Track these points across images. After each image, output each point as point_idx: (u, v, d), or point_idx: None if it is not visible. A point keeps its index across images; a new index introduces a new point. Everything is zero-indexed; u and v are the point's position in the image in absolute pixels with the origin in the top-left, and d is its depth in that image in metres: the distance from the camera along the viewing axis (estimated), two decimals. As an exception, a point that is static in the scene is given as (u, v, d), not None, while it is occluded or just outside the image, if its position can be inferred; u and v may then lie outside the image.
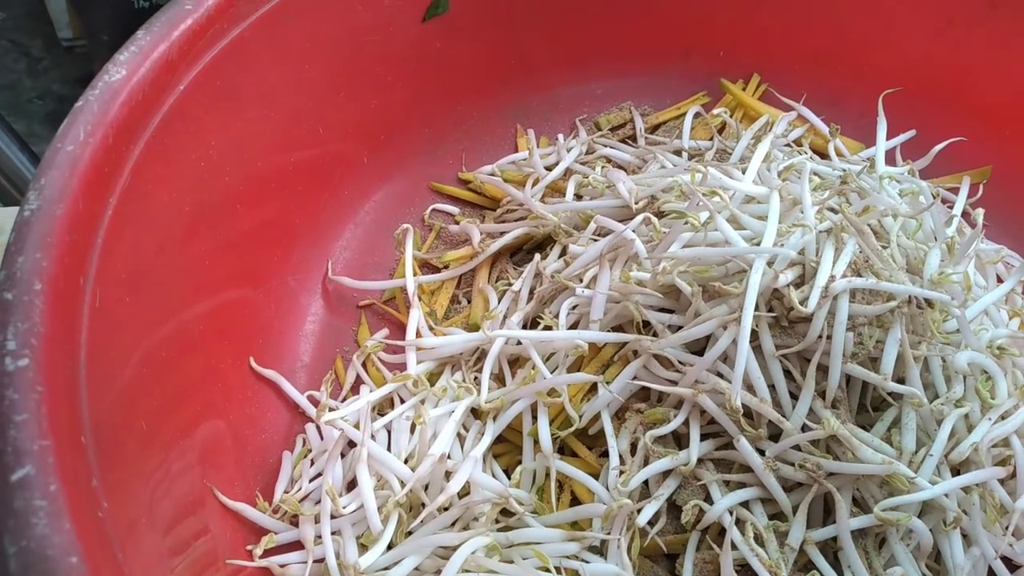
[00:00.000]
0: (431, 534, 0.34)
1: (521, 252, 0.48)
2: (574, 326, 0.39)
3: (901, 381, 0.35)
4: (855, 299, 0.35)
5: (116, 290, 0.30)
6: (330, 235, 0.46)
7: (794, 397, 0.35)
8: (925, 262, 0.38)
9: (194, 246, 0.36)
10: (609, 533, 0.34)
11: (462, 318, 0.44)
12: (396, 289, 0.46)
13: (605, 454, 0.37)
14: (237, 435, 0.37)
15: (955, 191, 0.48)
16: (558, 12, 0.52)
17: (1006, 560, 0.34)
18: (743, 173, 0.42)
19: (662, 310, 0.38)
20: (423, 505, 0.35)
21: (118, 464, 0.26)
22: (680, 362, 0.36)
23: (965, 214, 0.46)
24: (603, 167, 0.48)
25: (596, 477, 0.36)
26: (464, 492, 0.35)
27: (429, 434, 0.36)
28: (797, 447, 0.34)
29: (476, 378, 0.39)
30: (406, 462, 0.36)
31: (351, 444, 0.37)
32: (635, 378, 0.37)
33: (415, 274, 0.45)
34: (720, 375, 0.35)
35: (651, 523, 0.34)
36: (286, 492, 0.36)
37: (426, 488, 0.35)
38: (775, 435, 0.35)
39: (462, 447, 0.38)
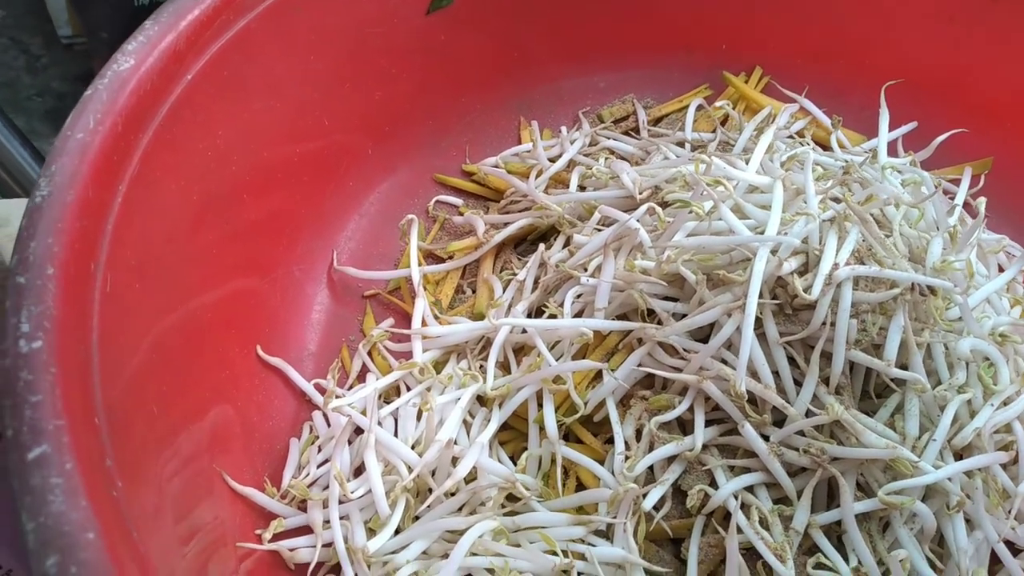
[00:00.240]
0: (438, 518, 0.34)
1: (525, 243, 0.48)
2: (579, 315, 0.40)
3: (904, 368, 0.35)
4: (858, 287, 0.35)
5: (126, 276, 0.30)
6: (335, 225, 0.46)
7: (798, 383, 0.35)
8: (927, 250, 0.38)
9: (202, 235, 0.36)
10: (615, 517, 0.34)
11: (467, 308, 0.44)
12: (401, 279, 0.46)
13: (610, 441, 0.37)
14: (245, 421, 0.37)
15: (956, 182, 0.48)
16: (561, 6, 0.52)
17: (1009, 544, 0.34)
18: (746, 164, 0.42)
19: (666, 298, 0.38)
20: (430, 490, 0.35)
21: (130, 446, 0.27)
22: (685, 349, 0.36)
23: (966, 205, 0.46)
24: (606, 158, 0.49)
25: (601, 463, 0.36)
26: (471, 477, 0.35)
27: (436, 420, 0.37)
28: (801, 432, 0.35)
29: (481, 366, 0.40)
30: (413, 448, 0.36)
31: (358, 431, 0.37)
32: (640, 365, 0.37)
33: (420, 264, 0.45)
34: (724, 362, 0.35)
35: (656, 508, 0.35)
36: (294, 478, 0.37)
37: (433, 474, 0.36)
38: (779, 421, 0.35)
39: (468, 434, 0.38)
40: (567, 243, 0.44)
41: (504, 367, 0.40)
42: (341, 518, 0.34)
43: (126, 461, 0.25)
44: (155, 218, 0.33)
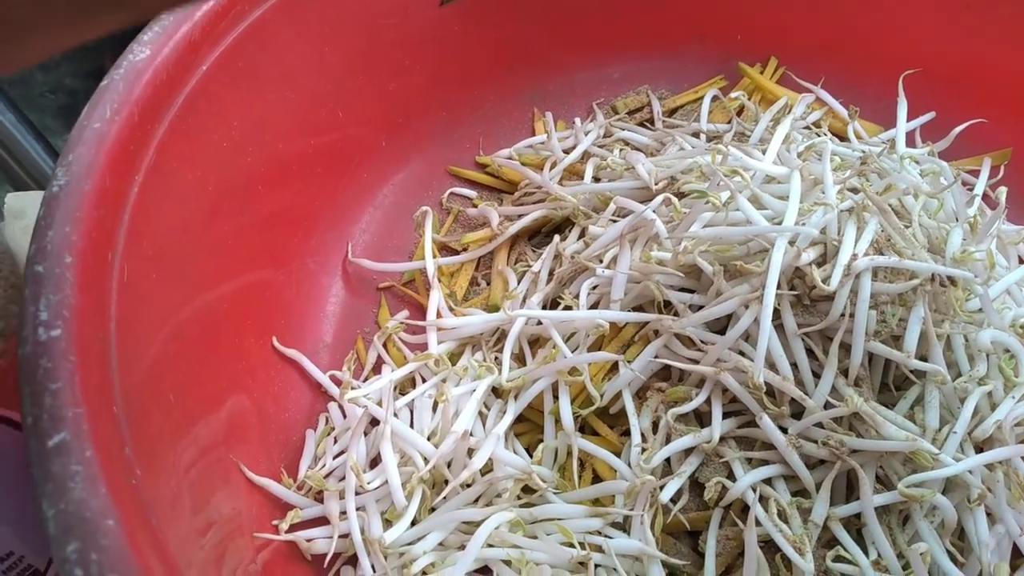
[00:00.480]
0: (455, 509, 0.34)
1: (539, 235, 0.48)
2: (594, 306, 0.39)
3: (924, 359, 0.35)
4: (877, 277, 0.35)
5: (143, 266, 0.30)
6: (350, 218, 0.46)
7: (816, 375, 0.35)
8: (947, 241, 0.37)
9: (217, 226, 0.36)
10: (632, 509, 0.34)
11: (481, 300, 0.44)
12: (415, 271, 0.46)
13: (626, 433, 0.37)
14: (261, 412, 0.37)
15: (975, 173, 0.48)
16: (575, -4, 0.52)
17: (1030, 537, 0.34)
18: (763, 154, 0.42)
19: (683, 290, 0.38)
20: (446, 482, 0.35)
21: (148, 435, 0.26)
22: (702, 341, 0.36)
23: (985, 196, 0.46)
24: (621, 150, 0.48)
25: (618, 455, 0.36)
26: (487, 469, 0.35)
27: (451, 412, 0.37)
28: (820, 425, 0.34)
29: (496, 358, 0.39)
30: (429, 439, 0.36)
31: (373, 423, 0.37)
32: (656, 357, 0.37)
33: (434, 256, 0.45)
34: (742, 353, 0.35)
35: (674, 500, 0.34)
36: (310, 469, 0.37)
37: (449, 465, 0.36)
38: (798, 413, 0.35)
39: (483, 426, 0.38)
40: (582, 234, 0.44)
41: (519, 359, 0.40)
42: (357, 509, 0.34)
43: (144, 450, 0.25)
44: (171, 208, 0.33)
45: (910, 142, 0.48)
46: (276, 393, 0.39)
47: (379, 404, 0.37)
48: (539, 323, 0.39)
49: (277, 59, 0.40)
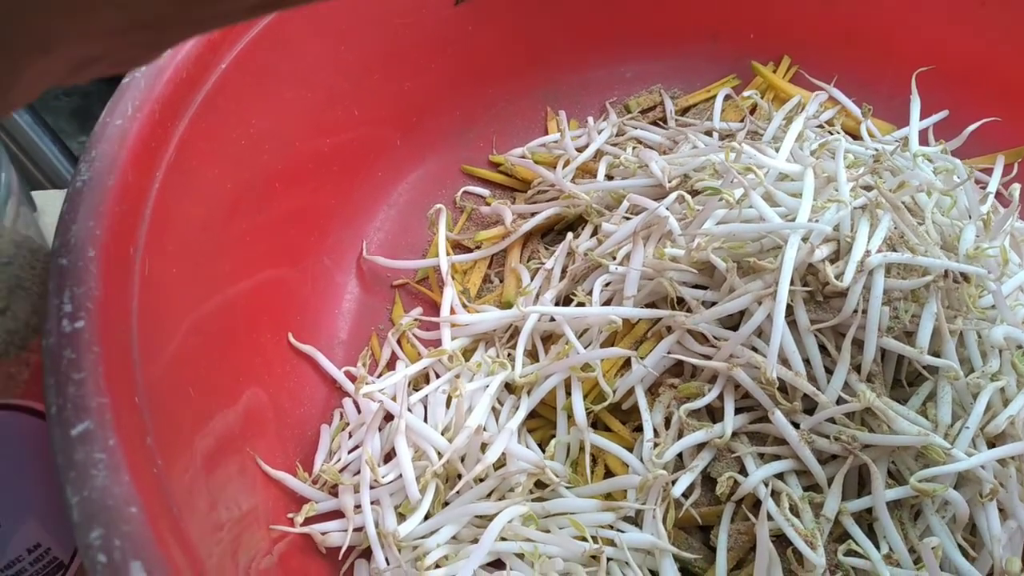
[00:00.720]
0: (468, 503, 0.35)
1: (552, 233, 0.48)
2: (607, 303, 0.40)
3: (936, 355, 0.35)
4: (890, 274, 0.35)
5: (164, 261, 0.31)
6: (364, 216, 0.47)
7: (829, 371, 0.35)
8: (960, 237, 0.38)
9: (236, 223, 0.37)
10: (644, 504, 0.34)
11: (494, 297, 0.45)
12: (429, 269, 0.46)
13: (639, 428, 0.37)
14: (278, 407, 0.37)
15: (989, 171, 0.48)
16: (588, -4, 0.52)
17: (1043, 533, 0.34)
18: (776, 152, 0.42)
19: (696, 286, 0.38)
20: (459, 476, 0.35)
21: (169, 426, 0.27)
22: (715, 337, 0.36)
23: (999, 194, 0.46)
24: (634, 148, 0.49)
25: (630, 450, 0.36)
26: (500, 464, 0.35)
27: (465, 407, 0.37)
28: (832, 420, 0.34)
29: (510, 354, 0.40)
30: (442, 434, 0.37)
31: (387, 418, 0.38)
32: (669, 353, 0.37)
33: (448, 254, 0.45)
34: (755, 349, 0.35)
35: (686, 495, 0.35)
36: (325, 463, 0.37)
37: (462, 459, 0.36)
38: (810, 409, 0.35)
39: (497, 421, 0.38)
40: (595, 232, 0.44)
41: (532, 355, 0.40)
42: (372, 503, 0.35)
43: (165, 440, 0.26)
44: (191, 205, 0.33)
45: (923, 140, 0.48)
46: (292, 388, 0.39)
47: (393, 399, 0.38)
48: (552, 319, 0.39)
49: (294, 58, 0.40)
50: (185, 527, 0.24)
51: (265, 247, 0.39)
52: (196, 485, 0.28)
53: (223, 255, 0.36)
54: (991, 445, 0.34)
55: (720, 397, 0.36)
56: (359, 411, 0.39)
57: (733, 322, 0.37)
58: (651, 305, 0.39)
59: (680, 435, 0.36)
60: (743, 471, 0.35)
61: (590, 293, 0.39)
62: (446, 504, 0.35)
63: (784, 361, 0.35)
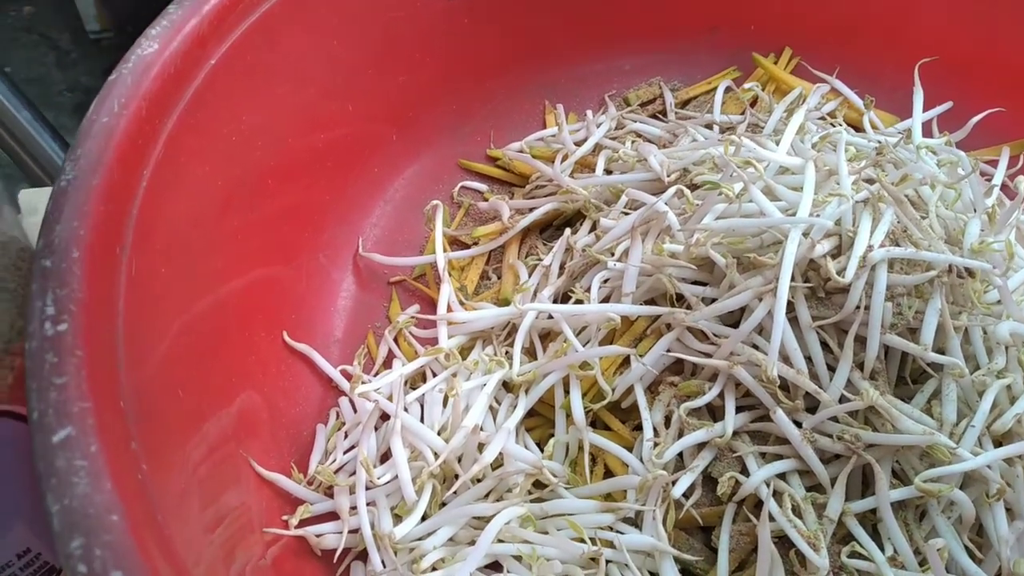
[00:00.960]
0: (465, 504, 0.34)
1: (550, 228, 0.48)
2: (606, 300, 0.39)
3: (941, 352, 0.34)
4: (893, 269, 0.35)
5: (152, 261, 0.30)
6: (360, 212, 0.46)
7: (831, 369, 0.35)
8: (965, 231, 0.37)
9: (228, 220, 0.36)
10: (644, 505, 0.34)
11: (492, 293, 0.44)
12: (426, 265, 0.45)
13: (638, 427, 0.36)
14: (272, 407, 0.37)
15: (994, 163, 0.47)
16: (586, -12, 0.51)
17: (1051, 533, 0.33)
18: (776, 145, 0.41)
19: (695, 283, 0.38)
20: (456, 476, 0.35)
21: (156, 430, 0.26)
22: (715, 334, 0.36)
23: (1004, 186, 0.45)
24: (633, 142, 0.48)
25: (630, 450, 0.36)
26: (497, 464, 0.35)
27: (462, 406, 0.36)
28: (835, 419, 0.34)
29: (507, 352, 0.39)
30: (439, 434, 0.36)
31: (384, 417, 0.37)
32: (669, 351, 0.37)
33: (445, 250, 0.44)
34: (755, 347, 0.35)
35: (686, 495, 0.34)
36: (320, 464, 0.37)
37: (459, 460, 0.35)
38: (812, 407, 0.35)
39: (494, 420, 0.38)
40: (593, 227, 0.44)
41: (530, 353, 0.40)
42: (368, 504, 0.34)
43: (152, 445, 0.25)
44: (181, 203, 0.33)
45: (927, 132, 0.47)
46: (287, 388, 0.39)
47: (389, 399, 0.37)
48: (550, 317, 0.39)
49: (286, 53, 0.40)
50: (170, 534, 0.23)
51: (258, 244, 0.39)
52: (186, 490, 0.27)
53: (215, 253, 0.35)
54: (997, 444, 0.34)
55: (721, 395, 0.35)
56: (355, 410, 0.39)
57: (733, 319, 0.37)
58: (650, 302, 0.39)
59: (680, 434, 0.35)
60: (744, 471, 0.34)
61: (588, 290, 0.39)
62: (443, 505, 0.35)
63: (785, 359, 0.34)
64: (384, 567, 0.33)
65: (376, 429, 0.37)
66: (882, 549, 0.32)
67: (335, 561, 0.34)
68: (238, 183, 0.37)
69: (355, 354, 0.41)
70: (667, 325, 0.37)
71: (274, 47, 0.39)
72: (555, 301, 0.41)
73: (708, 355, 0.36)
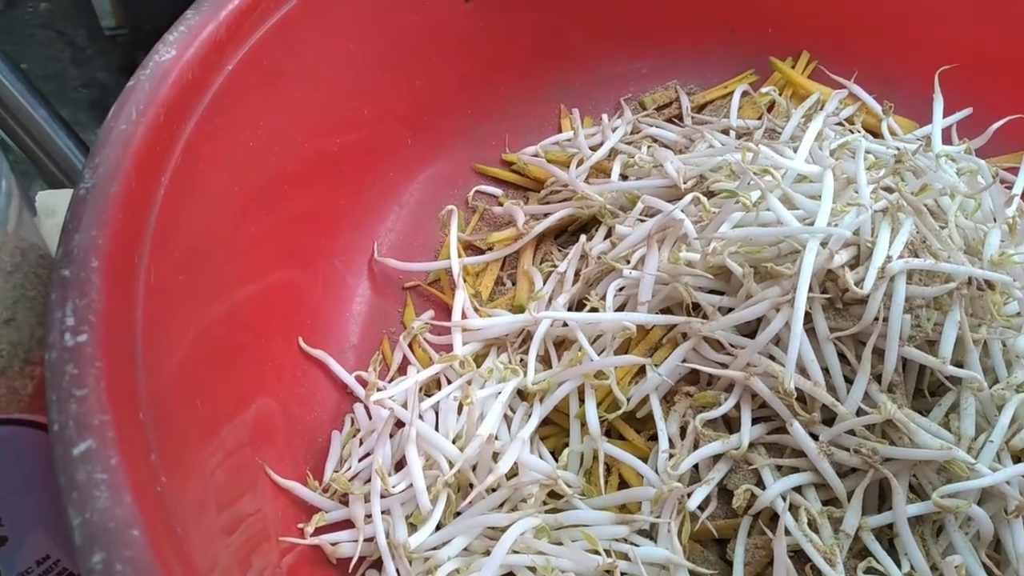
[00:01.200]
0: (480, 515, 0.34)
1: (565, 234, 0.47)
2: (621, 308, 0.39)
3: (960, 365, 0.34)
4: (912, 280, 0.34)
5: (170, 268, 0.30)
6: (376, 217, 0.46)
7: (848, 381, 0.34)
8: (985, 242, 0.37)
9: (244, 226, 0.36)
10: (659, 517, 0.33)
11: (507, 300, 0.44)
12: (441, 271, 0.45)
13: (653, 437, 0.36)
14: (288, 414, 0.37)
15: (1014, 171, 0.46)
16: (603, -10, 0.51)
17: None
18: (794, 152, 0.41)
19: (712, 292, 0.38)
20: (471, 486, 0.35)
21: (174, 439, 0.26)
22: (731, 345, 0.36)
23: (1024, 195, 0.45)
24: (649, 147, 0.48)
25: (645, 460, 0.36)
26: (512, 473, 0.35)
27: (476, 415, 0.36)
28: (852, 432, 0.34)
29: (522, 360, 0.39)
30: (454, 442, 0.36)
31: (398, 424, 0.37)
32: (685, 361, 0.36)
33: (460, 256, 0.44)
34: (772, 358, 0.35)
35: (701, 507, 0.34)
36: (335, 471, 0.37)
37: (474, 468, 0.35)
38: (829, 419, 0.34)
39: (509, 429, 0.38)
40: (609, 234, 0.43)
41: (545, 360, 0.40)
42: (383, 512, 0.34)
43: (170, 455, 0.25)
44: (198, 209, 0.33)
45: (947, 139, 0.47)
46: (302, 394, 0.39)
47: (404, 406, 0.37)
48: (565, 324, 0.39)
49: (303, 57, 0.39)
50: (189, 547, 0.23)
51: (274, 250, 0.39)
52: (203, 499, 0.27)
53: (231, 259, 0.36)
54: (1016, 459, 0.33)
55: (737, 407, 0.35)
56: (370, 416, 0.39)
57: (750, 329, 0.36)
58: (666, 311, 0.38)
59: (696, 446, 0.35)
60: (760, 483, 0.34)
61: (603, 298, 0.39)
62: (458, 514, 0.35)
63: (802, 370, 0.34)
64: (399, 576, 0.33)
65: (391, 436, 0.37)
66: (899, 565, 0.32)
67: (350, 570, 0.34)
68: (255, 189, 0.37)
69: (370, 360, 0.42)
70: (683, 334, 0.37)
71: (291, 51, 0.39)
72: (570, 308, 0.41)
73: (724, 366, 0.36)
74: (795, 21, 0.54)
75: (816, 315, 0.35)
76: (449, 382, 0.39)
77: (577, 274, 0.42)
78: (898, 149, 0.41)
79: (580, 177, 0.46)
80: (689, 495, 0.34)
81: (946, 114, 0.47)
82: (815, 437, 0.34)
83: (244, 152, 0.36)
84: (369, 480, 0.35)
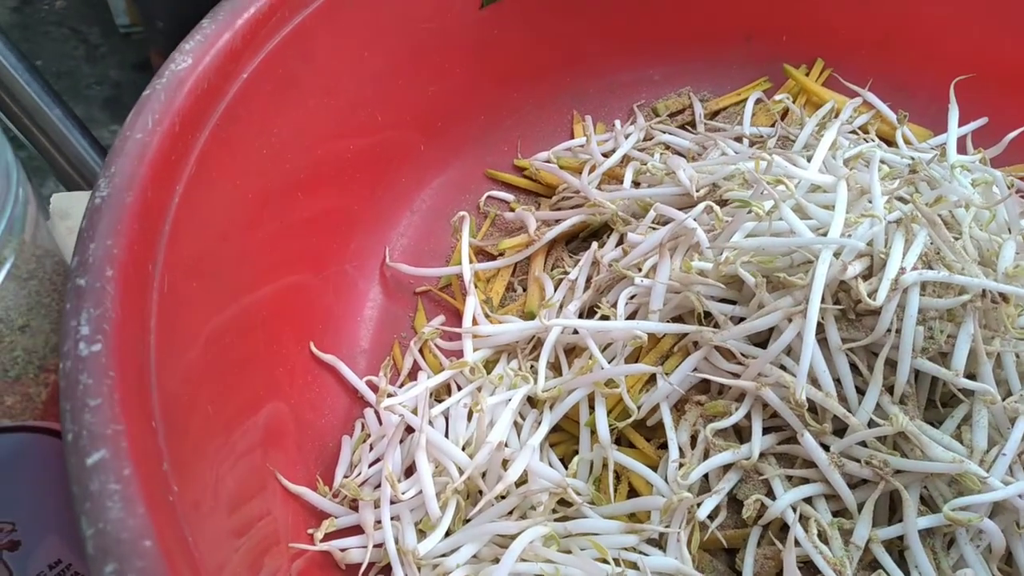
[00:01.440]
0: (489, 522, 0.34)
1: (577, 240, 0.47)
2: (632, 316, 0.39)
3: (972, 377, 0.34)
4: (926, 292, 0.34)
5: (183, 276, 0.30)
6: (388, 222, 0.46)
7: (860, 392, 0.34)
8: (999, 254, 0.36)
9: (257, 233, 0.36)
10: (668, 526, 0.33)
11: (518, 306, 0.44)
12: (452, 276, 0.46)
13: (664, 446, 0.36)
14: (299, 418, 0.37)
15: (1029, 181, 0.46)
16: (616, -4, 0.51)
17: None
18: (808, 161, 0.41)
19: (724, 301, 0.38)
20: (480, 493, 0.35)
21: (186, 447, 0.27)
22: (743, 354, 0.36)
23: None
24: (662, 154, 0.48)
25: (654, 469, 0.36)
26: (521, 480, 0.35)
27: (486, 422, 0.36)
28: (863, 443, 0.34)
29: (532, 367, 0.39)
30: (463, 449, 0.36)
31: (409, 430, 0.37)
32: (696, 370, 0.36)
33: (471, 261, 0.44)
34: (784, 368, 0.35)
35: (711, 517, 0.34)
36: (346, 477, 0.37)
37: (483, 476, 0.35)
38: (840, 430, 0.34)
39: (519, 435, 0.38)
40: (620, 241, 0.44)
41: (555, 368, 0.40)
42: (392, 519, 0.34)
43: (182, 463, 0.26)
44: (211, 217, 0.33)
45: (962, 148, 0.46)
46: (313, 399, 0.39)
47: (414, 412, 0.37)
48: (575, 332, 0.39)
49: (317, 65, 0.40)
50: (200, 556, 0.23)
51: (287, 256, 0.39)
52: (213, 507, 0.28)
53: (244, 265, 0.36)
54: (1029, 473, 0.33)
55: (747, 416, 0.35)
56: (381, 422, 0.39)
57: (762, 339, 0.36)
58: (677, 319, 0.38)
59: (706, 455, 0.35)
60: (770, 494, 0.34)
61: (615, 306, 0.39)
62: (467, 521, 0.35)
63: (814, 381, 0.34)
64: (408, 582, 0.33)
65: (401, 442, 0.37)
66: (909, 577, 0.32)
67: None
68: (268, 196, 0.37)
69: (381, 365, 0.42)
70: (694, 344, 0.37)
71: (306, 60, 0.39)
72: (581, 315, 0.41)
73: (736, 375, 0.36)
74: (810, 29, 0.54)
75: (828, 326, 0.35)
76: (459, 388, 0.40)
77: (588, 281, 0.42)
78: (912, 159, 0.40)
79: (592, 184, 0.46)
80: (699, 505, 0.34)
81: (961, 123, 0.47)
82: (826, 448, 0.34)
83: (258, 159, 0.36)
84: (379, 486, 0.36)
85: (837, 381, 0.34)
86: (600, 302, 0.39)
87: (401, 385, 0.41)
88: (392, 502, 0.35)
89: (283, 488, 0.34)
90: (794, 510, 0.33)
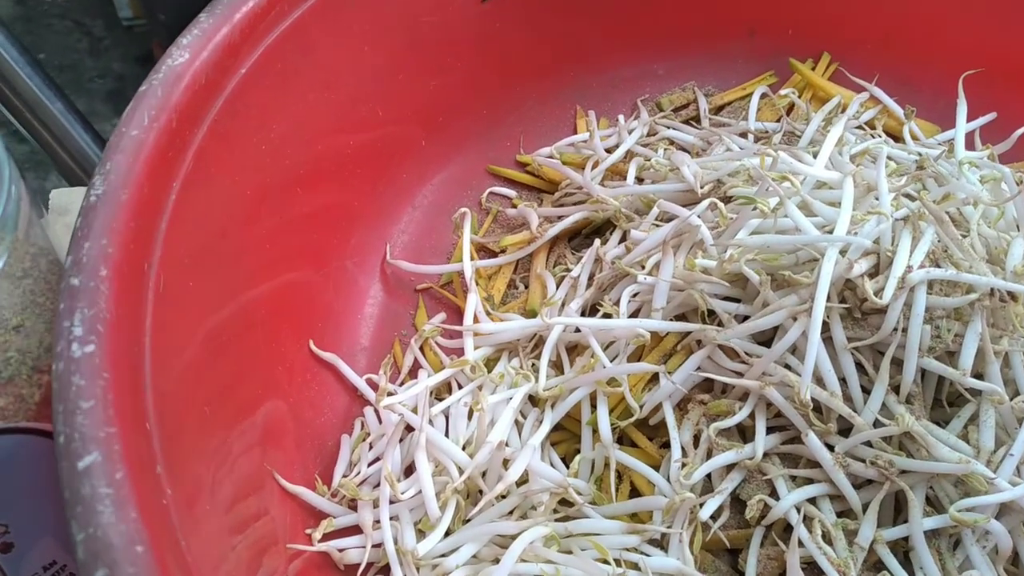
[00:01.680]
0: (489, 522, 0.34)
1: (579, 236, 0.47)
2: (635, 314, 0.39)
3: (980, 377, 0.33)
4: (933, 290, 0.34)
5: (179, 274, 0.30)
6: (388, 218, 0.46)
7: (866, 391, 0.34)
8: (1008, 252, 0.36)
9: (255, 229, 0.36)
10: (670, 526, 0.33)
11: (519, 303, 0.44)
12: (453, 273, 0.45)
13: (666, 445, 0.36)
14: (297, 417, 0.37)
15: (1038, 177, 0.46)
16: (620, -11, 0.51)
17: (1090, 566, 0.33)
18: (814, 157, 0.40)
19: (728, 299, 0.37)
20: (480, 492, 0.35)
21: (181, 449, 0.26)
22: (747, 353, 0.35)
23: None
24: (666, 149, 0.47)
25: (657, 468, 0.35)
26: (522, 480, 0.35)
27: (487, 421, 0.36)
28: (868, 443, 0.33)
29: (534, 365, 0.39)
30: (464, 448, 0.36)
31: (408, 428, 0.37)
32: (699, 369, 0.36)
33: (472, 258, 0.44)
34: (788, 367, 0.34)
35: (714, 517, 0.34)
36: (345, 476, 0.37)
37: (484, 475, 0.35)
38: (845, 430, 0.34)
39: (520, 434, 0.37)
40: (623, 238, 0.43)
41: (557, 366, 0.39)
42: (391, 519, 0.34)
43: (177, 466, 0.25)
44: (209, 214, 0.33)
45: (970, 143, 0.46)
46: (312, 397, 0.38)
47: (414, 411, 0.37)
48: (577, 330, 0.38)
49: (317, 60, 0.39)
50: (194, 560, 0.23)
51: (286, 252, 0.39)
52: (209, 508, 0.27)
53: (242, 262, 0.35)
54: (1036, 474, 0.33)
55: (751, 416, 0.35)
56: (380, 421, 0.39)
57: (766, 337, 0.36)
58: (681, 318, 0.38)
59: (709, 455, 0.34)
60: (774, 494, 0.34)
61: (617, 303, 0.38)
62: (467, 521, 0.35)
63: (819, 380, 0.34)
64: (407, 583, 0.33)
65: (400, 441, 0.37)
66: (914, 579, 0.32)
67: None
68: (267, 191, 0.37)
69: (381, 363, 0.41)
70: (698, 342, 0.37)
71: (305, 54, 0.38)
72: (583, 313, 0.40)
73: (739, 374, 0.35)
74: (816, 23, 0.53)
75: (834, 325, 0.34)
76: (460, 386, 0.39)
77: (591, 279, 0.41)
78: (920, 155, 0.40)
79: (595, 180, 0.46)
80: (701, 505, 0.33)
81: (970, 119, 0.46)
82: (831, 448, 0.33)
83: (257, 155, 0.36)
84: (378, 485, 0.35)
85: (842, 380, 0.34)
86: (603, 300, 0.39)
87: (401, 383, 0.41)
88: (391, 502, 0.34)
89: (281, 488, 0.34)
90: (798, 510, 0.33)
